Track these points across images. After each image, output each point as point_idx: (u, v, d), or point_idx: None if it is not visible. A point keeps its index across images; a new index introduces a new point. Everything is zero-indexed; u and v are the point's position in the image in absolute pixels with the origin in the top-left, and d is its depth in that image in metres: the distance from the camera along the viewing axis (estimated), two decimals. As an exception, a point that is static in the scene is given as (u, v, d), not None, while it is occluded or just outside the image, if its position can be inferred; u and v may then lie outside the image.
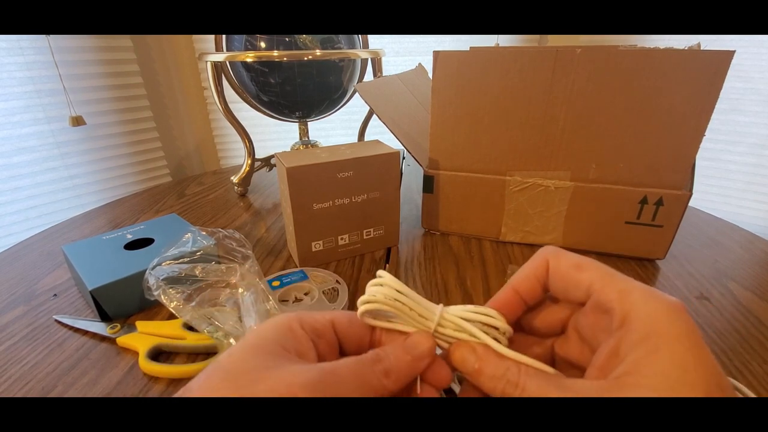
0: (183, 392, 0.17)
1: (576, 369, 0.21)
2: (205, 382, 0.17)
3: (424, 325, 0.21)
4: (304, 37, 0.62)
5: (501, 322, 0.21)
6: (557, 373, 0.19)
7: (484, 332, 0.20)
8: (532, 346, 0.23)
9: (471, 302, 0.44)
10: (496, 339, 0.20)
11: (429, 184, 0.57)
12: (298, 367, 0.18)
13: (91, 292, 0.40)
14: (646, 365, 0.16)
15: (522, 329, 0.23)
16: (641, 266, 0.51)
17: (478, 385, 0.20)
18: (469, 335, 0.20)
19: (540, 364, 0.19)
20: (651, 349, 0.16)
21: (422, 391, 0.21)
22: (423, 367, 0.20)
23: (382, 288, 0.21)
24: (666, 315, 0.16)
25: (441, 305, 0.22)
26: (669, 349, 0.15)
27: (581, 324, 0.21)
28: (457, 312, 0.21)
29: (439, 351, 0.22)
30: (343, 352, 0.22)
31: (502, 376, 0.19)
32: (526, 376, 0.18)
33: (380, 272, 0.22)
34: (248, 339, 0.19)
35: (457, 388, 0.33)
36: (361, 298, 0.21)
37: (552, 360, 0.23)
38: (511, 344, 0.21)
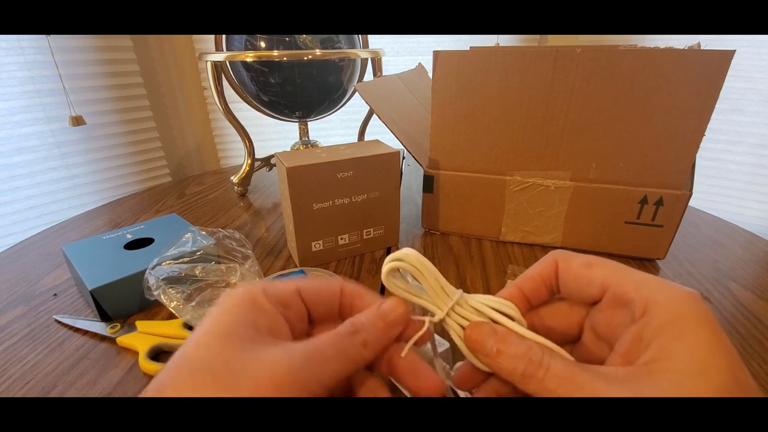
0: (154, 390, 0.16)
1: None
2: (176, 378, 0.16)
3: (443, 301, 0.21)
4: (304, 37, 0.62)
5: (517, 314, 0.21)
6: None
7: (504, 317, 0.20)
8: None
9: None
10: None
11: (429, 183, 0.57)
12: (278, 351, 0.17)
13: (91, 292, 0.40)
14: (673, 350, 0.16)
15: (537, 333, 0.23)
16: (641, 266, 0.51)
17: (496, 368, 0.19)
18: (488, 318, 0.20)
19: (564, 351, 0.19)
20: (676, 334, 0.16)
21: (406, 355, 0.20)
22: (397, 334, 0.20)
23: (411, 253, 0.20)
24: (685, 302, 0.16)
25: (461, 290, 0.21)
26: (694, 334, 0.16)
27: (597, 322, 0.20)
28: (478, 298, 0.21)
29: (437, 340, 0.21)
30: (310, 320, 0.21)
31: (524, 355, 0.18)
32: (550, 357, 0.18)
33: (406, 249, 0.21)
34: (213, 323, 0.18)
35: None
36: (390, 256, 0.21)
37: None
38: None
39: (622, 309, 0.19)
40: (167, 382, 0.16)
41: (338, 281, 0.22)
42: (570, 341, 0.22)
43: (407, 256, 0.20)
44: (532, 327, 0.22)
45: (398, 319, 0.20)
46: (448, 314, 0.21)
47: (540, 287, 0.22)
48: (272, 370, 0.16)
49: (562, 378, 0.17)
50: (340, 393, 0.20)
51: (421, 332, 0.21)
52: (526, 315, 0.22)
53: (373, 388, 0.20)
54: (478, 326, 0.20)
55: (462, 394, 0.28)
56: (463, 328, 0.21)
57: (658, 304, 0.17)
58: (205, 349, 0.17)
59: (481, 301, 0.21)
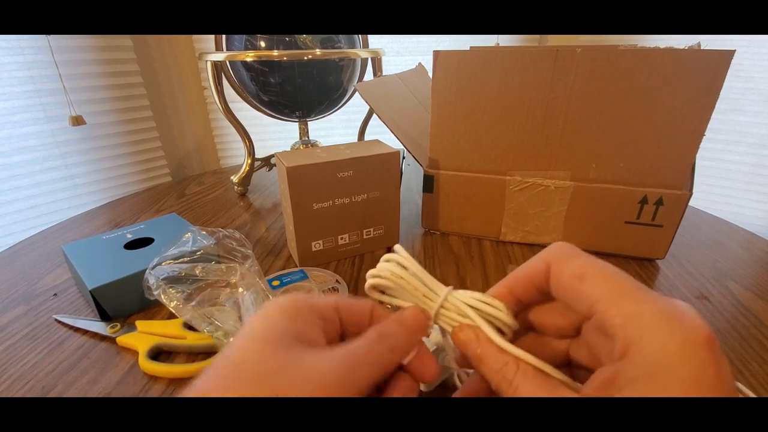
0: (197, 394, 0.16)
1: (590, 373, 0.20)
2: (219, 382, 0.16)
3: (427, 305, 0.21)
4: (304, 37, 0.62)
5: (506, 316, 0.20)
6: (561, 378, 0.18)
7: (489, 322, 0.20)
8: (546, 346, 0.22)
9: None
10: (500, 330, 0.20)
11: (429, 183, 0.57)
12: (320, 359, 0.17)
13: (91, 292, 0.40)
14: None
15: (535, 330, 0.22)
16: (641, 266, 0.51)
17: (478, 371, 0.20)
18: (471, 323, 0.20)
19: (543, 364, 0.18)
20: (650, 392, 0.14)
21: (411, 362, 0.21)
22: (419, 338, 0.21)
23: (389, 264, 0.21)
24: (678, 352, 0.14)
25: (450, 288, 0.21)
26: (673, 394, 0.13)
27: (587, 337, 0.19)
28: (464, 298, 0.21)
29: (435, 333, 0.22)
30: (343, 335, 0.22)
31: (498, 371, 0.18)
32: (522, 376, 0.18)
33: (396, 247, 0.22)
34: (259, 329, 0.18)
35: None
36: (370, 272, 0.21)
37: (567, 361, 0.21)
38: (524, 343, 0.21)
39: (607, 339, 0.17)
40: (212, 387, 0.16)
41: (370, 302, 0.22)
42: (568, 337, 0.21)
43: (381, 271, 0.21)
44: (525, 323, 0.22)
45: (418, 324, 0.21)
46: (435, 318, 0.21)
47: (530, 289, 0.21)
48: (321, 375, 0.17)
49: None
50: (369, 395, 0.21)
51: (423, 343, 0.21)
52: (520, 312, 0.21)
53: (404, 389, 0.20)
54: (463, 329, 0.20)
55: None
56: (452, 326, 0.21)
57: (642, 351, 0.14)
58: (253, 354, 0.17)
59: (468, 301, 0.21)
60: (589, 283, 0.17)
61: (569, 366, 0.21)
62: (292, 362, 0.17)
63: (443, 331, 0.23)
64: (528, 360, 0.18)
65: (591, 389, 0.16)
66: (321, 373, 0.17)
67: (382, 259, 0.22)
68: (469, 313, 0.20)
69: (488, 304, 0.20)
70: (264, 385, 0.16)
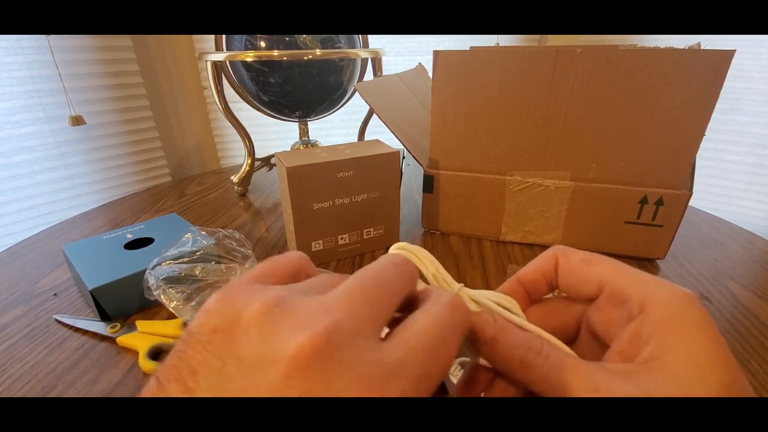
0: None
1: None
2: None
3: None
4: (304, 37, 0.62)
5: (517, 309, 0.21)
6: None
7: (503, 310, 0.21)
8: None
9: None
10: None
11: (429, 183, 0.57)
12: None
13: (91, 292, 0.40)
14: (671, 347, 0.16)
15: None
16: (641, 266, 0.51)
17: (494, 358, 0.19)
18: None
19: (563, 344, 0.19)
20: (674, 332, 0.16)
21: None
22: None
23: (403, 252, 0.21)
24: (683, 301, 0.17)
25: (461, 284, 0.21)
26: (691, 333, 0.16)
27: (594, 320, 0.20)
28: (476, 292, 0.21)
29: None
30: None
31: (524, 343, 0.18)
32: (550, 347, 0.18)
33: (400, 244, 0.22)
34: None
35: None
36: (394, 246, 0.21)
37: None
38: None
39: (619, 307, 0.19)
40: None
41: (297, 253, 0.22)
42: (567, 341, 0.22)
43: (408, 245, 0.21)
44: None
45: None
46: None
47: (540, 281, 0.22)
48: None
49: (565, 366, 0.17)
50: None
51: None
52: (525, 311, 0.22)
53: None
54: (477, 315, 0.20)
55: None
56: None
57: (656, 301, 0.17)
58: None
59: (481, 294, 0.21)
60: (596, 264, 0.19)
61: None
62: None
63: None
64: (549, 337, 0.19)
65: (617, 352, 0.18)
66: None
67: (393, 248, 0.21)
68: (485, 302, 0.20)
69: (501, 298, 0.21)
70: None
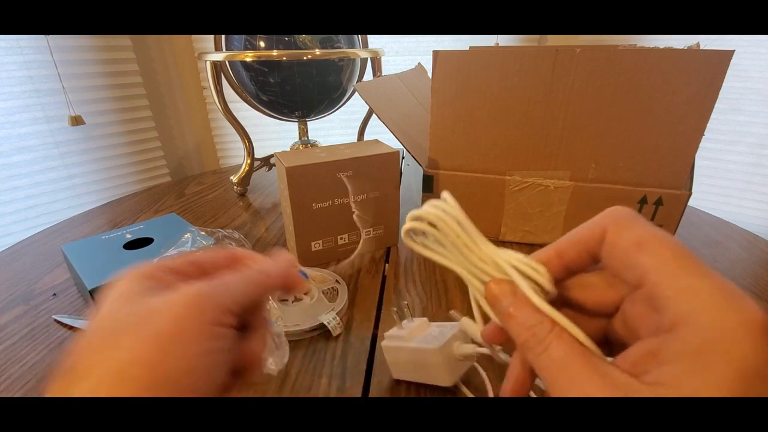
0: (69, 367, 0.16)
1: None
2: (88, 346, 0.17)
3: (465, 256, 0.20)
4: (304, 37, 0.62)
5: (546, 281, 0.19)
6: (594, 349, 0.17)
7: (527, 282, 0.19)
8: (580, 325, 0.18)
9: (470, 302, 0.44)
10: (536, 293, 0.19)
11: (428, 183, 0.57)
12: (184, 287, 0.18)
13: (90, 292, 0.39)
14: (685, 387, 0.13)
15: (570, 306, 0.20)
16: (641, 266, 0.51)
17: (505, 327, 0.19)
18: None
19: (579, 332, 0.17)
20: (698, 368, 0.13)
21: None
22: (292, 272, 0.23)
23: (433, 209, 0.20)
24: (733, 330, 0.13)
25: (491, 245, 0.20)
26: (719, 374, 0.13)
27: (627, 310, 0.18)
28: (505, 255, 0.19)
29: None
30: None
31: (531, 327, 0.17)
32: (555, 336, 0.16)
33: (444, 194, 0.21)
34: (108, 300, 0.18)
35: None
36: (410, 213, 0.21)
37: (601, 340, 0.20)
38: None
39: (654, 312, 0.16)
40: (77, 356, 0.16)
41: (230, 249, 0.24)
42: (605, 315, 0.20)
43: (427, 214, 0.20)
44: (561, 300, 0.20)
45: (289, 260, 0.23)
46: (470, 271, 0.20)
47: (582, 255, 0.19)
48: (183, 297, 0.17)
49: (556, 362, 0.16)
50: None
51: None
52: (560, 284, 0.20)
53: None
54: (500, 283, 0.19)
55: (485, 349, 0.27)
56: (484, 283, 0.20)
57: (694, 325, 0.14)
58: (105, 316, 0.18)
59: (510, 260, 0.19)
60: (648, 251, 0.16)
61: (603, 344, 0.19)
62: (150, 300, 0.17)
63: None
64: (564, 323, 0.17)
65: (628, 361, 0.16)
66: (185, 294, 0.17)
67: (427, 204, 0.21)
68: (508, 269, 0.19)
69: (529, 266, 0.19)
70: (125, 330, 0.16)
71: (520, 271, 0.19)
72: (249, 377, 0.21)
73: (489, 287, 0.19)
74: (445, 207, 0.20)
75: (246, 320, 0.21)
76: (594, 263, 0.19)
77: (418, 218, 0.20)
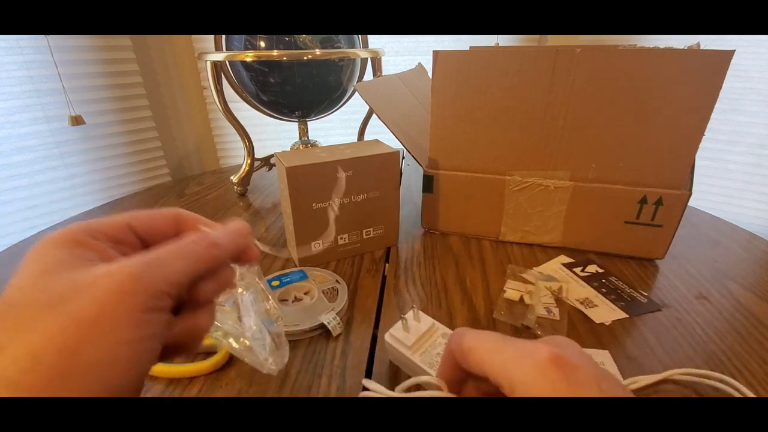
0: None
1: None
2: None
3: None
4: (304, 37, 0.62)
5: (447, 393, 0.23)
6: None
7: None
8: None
9: (470, 302, 0.45)
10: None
11: (429, 183, 0.57)
12: (112, 265, 0.16)
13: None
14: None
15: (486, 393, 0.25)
16: (641, 266, 0.51)
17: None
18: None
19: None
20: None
21: None
22: (244, 242, 0.22)
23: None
24: (535, 378, 0.17)
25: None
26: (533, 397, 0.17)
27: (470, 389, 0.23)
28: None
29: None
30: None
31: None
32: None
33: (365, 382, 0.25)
34: (31, 263, 0.16)
35: None
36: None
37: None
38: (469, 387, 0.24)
39: (500, 389, 0.20)
40: None
41: (174, 210, 0.22)
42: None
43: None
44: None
45: (241, 229, 0.22)
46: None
47: (454, 373, 0.23)
48: (110, 278, 0.16)
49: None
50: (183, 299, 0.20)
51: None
52: (464, 386, 0.24)
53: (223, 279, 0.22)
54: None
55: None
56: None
57: (519, 384, 0.18)
58: (23, 290, 0.16)
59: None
60: (474, 353, 0.21)
61: None
62: (72, 277, 0.16)
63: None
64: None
65: None
66: (111, 276, 0.16)
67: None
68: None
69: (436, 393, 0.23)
70: (41, 311, 0.15)
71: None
72: (189, 352, 0.21)
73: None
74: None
75: (193, 294, 0.20)
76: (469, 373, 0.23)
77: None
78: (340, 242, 0.52)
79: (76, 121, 0.75)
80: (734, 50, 0.41)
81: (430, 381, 0.24)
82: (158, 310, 0.17)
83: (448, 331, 0.34)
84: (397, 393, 0.25)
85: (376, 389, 0.25)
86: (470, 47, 0.55)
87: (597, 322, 0.41)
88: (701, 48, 0.42)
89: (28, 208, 0.83)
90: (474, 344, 0.21)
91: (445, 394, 0.23)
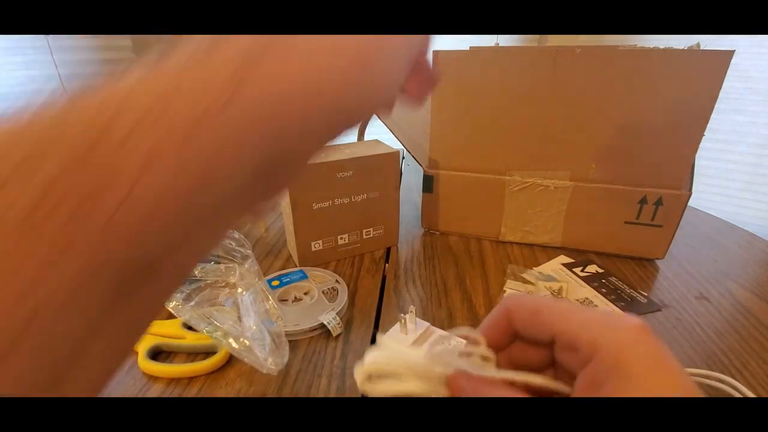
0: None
1: None
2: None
3: (423, 375, 0.21)
4: (304, 37, 0.62)
5: (484, 350, 0.21)
6: (552, 383, 0.20)
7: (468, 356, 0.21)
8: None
9: (470, 302, 0.45)
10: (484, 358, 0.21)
11: (429, 183, 0.57)
12: None
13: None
14: (625, 392, 0.16)
15: (516, 366, 0.23)
16: (641, 266, 0.51)
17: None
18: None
19: (525, 374, 0.20)
20: (625, 376, 0.16)
21: None
22: None
23: (371, 356, 0.22)
24: (630, 341, 0.17)
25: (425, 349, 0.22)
26: (643, 373, 0.16)
27: (560, 361, 0.21)
28: (446, 357, 0.22)
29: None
30: None
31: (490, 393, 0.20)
32: (507, 390, 0.19)
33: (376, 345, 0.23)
34: None
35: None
36: (357, 370, 0.21)
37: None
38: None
39: (574, 352, 0.19)
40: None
41: None
42: (545, 369, 0.23)
43: (368, 362, 0.21)
44: (511, 360, 0.23)
45: None
46: (426, 383, 0.22)
47: (503, 336, 0.22)
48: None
49: None
50: None
51: None
52: (506, 350, 0.23)
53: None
54: (453, 380, 0.21)
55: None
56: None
57: (603, 345, 0.17)
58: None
59: (452, 352, 0.21)
60: (544, 314, 0.20)
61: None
62: None
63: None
64: (512, 377, 0.20)
65: (579, 392, 0.18)
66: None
67: (369, 355, 0.22)
68: (453, 360, 0.21)
69: (471, 343, 0.21)
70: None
71: (466, 352, 0.21)
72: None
73: (450, 388, 0.21)
74: (380, 352, 0.22)
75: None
76: (513, 338, 0.23)
77: (369, 366, 0.21)
78: (340, 242, 0.52)
79: (76, 121, 0.75)
80: (734, 50, 0.41)
81: (467, 333, 0.22)
82: None
83: (445, 333, 0.34)
84: (414, 348, 0.22)
85: (391, 346, 0.22)
86: (470, 47, 0.55)
87: (597, 322, 0.41)
88: (701, 48, 0.42)
89: (28, 208, 0.83)
90: (549, 302, 0.20)
91: (482, 350, 0.21)
